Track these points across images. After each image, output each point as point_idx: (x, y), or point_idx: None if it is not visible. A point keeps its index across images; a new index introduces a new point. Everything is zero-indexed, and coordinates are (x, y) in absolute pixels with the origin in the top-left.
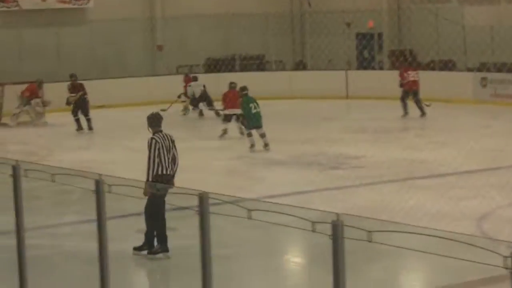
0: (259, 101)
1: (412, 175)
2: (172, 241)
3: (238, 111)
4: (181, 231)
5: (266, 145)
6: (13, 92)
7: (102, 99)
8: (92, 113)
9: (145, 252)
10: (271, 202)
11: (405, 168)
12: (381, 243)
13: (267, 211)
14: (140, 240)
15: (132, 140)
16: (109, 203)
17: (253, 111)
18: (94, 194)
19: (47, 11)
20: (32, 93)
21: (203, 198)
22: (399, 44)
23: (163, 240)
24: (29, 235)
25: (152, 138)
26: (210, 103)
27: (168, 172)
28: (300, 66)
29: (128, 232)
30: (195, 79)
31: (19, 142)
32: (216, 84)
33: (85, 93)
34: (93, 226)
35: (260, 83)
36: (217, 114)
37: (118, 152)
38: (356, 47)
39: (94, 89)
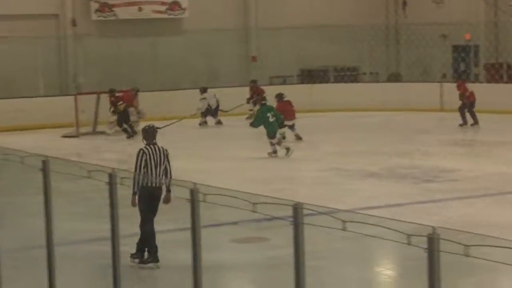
0: (352, 112)
1: (507, 190)
2: (264, 252)
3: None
4: (273, 241)
5: (274, 152)
6: (107, 102)
7: (192, 109)
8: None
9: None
10: (365, 214)
11: (499, 182)
12: (479, 258)
13: (362, 222)
14: (233, 249)
15: (227, 150)
16: (203, 212)
17: (271, 120)
18: (188, 202)
19: (143, 21)
20: (128, 102)
21: (297, 208)
22: (496, 57)
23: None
24: (123, 243)
25: (140, 150)
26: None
27: (155, 185)
28: (394, 78)
29: (221, 241)
30: (205, 90)
31: (113, 151)
32: (309, 95)
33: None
34: (187, 235)
35: (354, 94)
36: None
37: (209, 162)
38: (453, 59)
39: (187, 98)
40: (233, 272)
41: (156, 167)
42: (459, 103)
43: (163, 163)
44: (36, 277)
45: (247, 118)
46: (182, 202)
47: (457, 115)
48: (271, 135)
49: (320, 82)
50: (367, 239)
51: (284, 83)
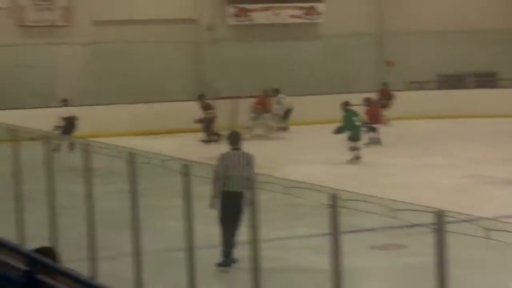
0: (492, 119)
1: None
2: (403, 258)
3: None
4: (412, 248)
5: (358, 157)
6: (246, 105)
7: (328, 114)
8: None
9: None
10: (508, 222)
11: None
12: None
13: (506, 231)
14: (372, 255)
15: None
16: (342, 218)
17: (356, 124)
18: (327, 208)
19: (279, 26)
20: (264, 106)
21: (440, 216)
22: None
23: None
24: (263, 247)
25: (220, 154)
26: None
27: (234, 190)
28: None
29: (360, 247)
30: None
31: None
32: (447, 101)
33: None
34: (324, 240)
35: (492, 100)
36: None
37: (346, 167)
38: None
39: (322, 103)
40: (373, 278)
41: (233, 172)
42: None
43: (244, 169)
44: (176, 280)
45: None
46: (319, 207)
47: None
48: (354, 138)
49: (458, 88)
50: (509, 248)
51: (421, 88)
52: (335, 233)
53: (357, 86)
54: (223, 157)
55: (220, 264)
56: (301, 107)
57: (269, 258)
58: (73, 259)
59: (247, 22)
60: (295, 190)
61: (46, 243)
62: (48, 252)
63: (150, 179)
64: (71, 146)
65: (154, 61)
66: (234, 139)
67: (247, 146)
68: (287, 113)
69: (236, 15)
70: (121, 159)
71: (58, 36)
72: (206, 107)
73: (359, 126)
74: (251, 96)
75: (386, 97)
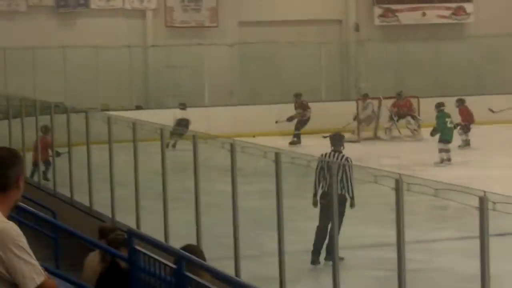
0: None
1: None
2: None
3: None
4: None
5: (448, 159)
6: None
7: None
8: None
9: None
10: None
11: None
12: None
13: None
14: None
15: (509, 157)
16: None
17: (449, 125)
18: (476, 210)
19: (426, 26)
20: (400, 108)
21: None
22: None
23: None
24: (406, 249)
25: (320, 155)
26: None
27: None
28: None
29: (506, 251)
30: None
31: (392, 156)
32: None
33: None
34: (470, 243)
35: None
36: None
37: (496, 170)
38: None
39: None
40: None
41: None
42: None
43: (341, 171)
44: (318, 280)
45: None
46: (467, 209)
47: None
48: (446, 140)
49: None
50: None
51: None
52: (483, 236)
53: (506, 87)
54: (319, 159)
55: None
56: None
57: (413, 260)
58: (216, 258)
59: (393, 23)
60: (442, 192)
61: (191, 242)
62: (193, 250)
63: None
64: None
65: (300, 62)
66: (336, 141)
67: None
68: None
69: (383, 16)
70: (267, 158)
71: (205, 37)
72: (299, 107)
73: (451, 128)
74: (395, 97)
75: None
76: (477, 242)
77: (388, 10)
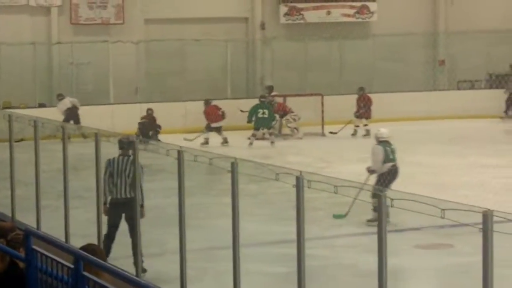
0: None
1: None
2: (449, 258)
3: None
4: (458, 248)
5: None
6: (295, 103)
7: (383, 112)
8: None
9: None
10: None
11: None
12: None
13: None
14: (417, 255)
15: (411, 154)
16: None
17: (260, 116)
18: (372, 206)
19: (331, 24)
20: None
21: (487, 215)
22: None
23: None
24: (307, 245)
25: (107, 160)
26: None
27: (119, 196)
28: None
29: (405, 246)
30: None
31: (296, 154)
32: (498, 100)
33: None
34: (370, 239)
35: None
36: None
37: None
38: None
39: (374, 103)
40: (417, 277)
41: (118, 179)
42: None
43: (130, 177)
44: (221, 278)
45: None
46: (368, 206)
47: None
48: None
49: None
50: None
51: (471, 88)
52: (380, 232)
53: (408, 85)
54: (107, 162)
55: None
56: (350, 106)
57: (315, 256)
58: (118, 257)
59: (299, 21)
60: (344, 189)
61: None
62: (94, 249)
63: (197, 177)
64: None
65: (206, 59)
66: (124, 145)
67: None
68: None
69: (288, 14)
70: (170, 156)
71: (111, 34)
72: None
73: (262, 118)
74: (300, 95)
75: (365, 104)
76: (376, 238)
77: (294, 9)
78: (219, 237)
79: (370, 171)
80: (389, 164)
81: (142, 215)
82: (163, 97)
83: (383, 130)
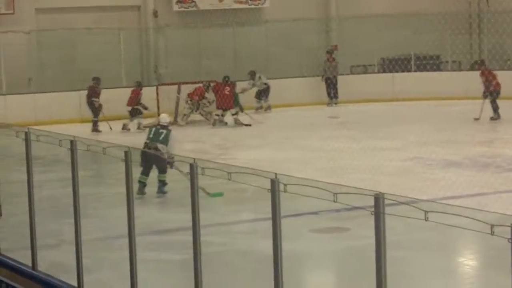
0: (434, 101)
1: None
2: (344, 242)
3: None
4: (353, 232)
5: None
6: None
7: (277, 98)
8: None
9: None
10: (447, 204)
11: None
12: None
13: (444, 212)
14: (313, 239)
15: (306, 139)
16: (283, 202)
17: None
18: (269, 192)
19: (224, 11)
20: (200, 96)
21: (379, 198)
22: None
23: None
24: (203, 232)
25: None
26: None
27: None
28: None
29: (301, 231)
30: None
31: (193, 141)
32: (390, 84)
33: None
34: (267, 225)
35: (436, 83)
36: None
37: (292, 151)
38: None
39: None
40: (313, 261)
41: None
42: None
43: None
44: (118, 267)
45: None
46: (264, 192)
47: None
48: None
49: (402, 71)
50: (449, 230)
51: (364, 72)
52: (275, 217)
53: (301, 71)
54: None
55: None
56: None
57: (210, 243)
58: (14, 248)
59: (191, 8)
60: (239, 176)
61: None
62: None
63: (91, 167)
64: None
65: (99, 48)
66: None
67: (187, 133)
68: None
69: (181, 1)
70: (63, 147)
71: (2, 24)
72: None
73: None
74: (194, 82)
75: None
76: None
77: None
78: (115, 226)
79: None
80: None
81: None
82: (57, 87)
83: (163, 115)
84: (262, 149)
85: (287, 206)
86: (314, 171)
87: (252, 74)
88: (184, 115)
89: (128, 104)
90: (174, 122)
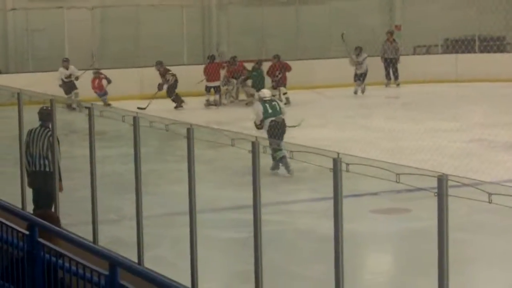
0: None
1: None
2: (405, 223)
3: None
4: (415, 213)
5: None
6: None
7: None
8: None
9: None
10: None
11: None
12: None
13: (508, 195)
14: (374, 220)
15: (366, 119)
16: (343, 182)
17: None
18: (330, 172)
19: None
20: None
21: (442, 180)
22: None
23: None
24: (264, 211)
25: (28, 130)
26: None
27: (34, 168)
28: None
29: (361, 211)
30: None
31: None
32: (454, 65)
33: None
34: (327, 204)
35: (499, 65)
36: None
37: (353, 131)
38: None
39: (331, 68)
40: (373, 242)
41: (35, 149)
42: None
43: (45, 148)
44: (178, 244)
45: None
46: (325, 171)
47: None
48: None
49: (466, 52)
50: None
51: (427, 52)
52: (336, 197)
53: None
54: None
55: None
56: (305, 72)
57: (271, 222)
58: (76, 223)
59: None
60: (299, 154)
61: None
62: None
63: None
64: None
65: (161, 25)
66: (44, 116)
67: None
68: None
69: None
70: (126, 122)
71: (66, 0)
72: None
73: None
74: (256, 61)
75: (280, 72)
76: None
77: None
78: (176, 203)
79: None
80: (269, 120)
81: (60, 189)
82: (119, 63)
83: (265, 91)
84: (322, 128)
85: (347, 186)
86: (375, 151)
87: (359, 51)
88: (228, 93)
89: (213, 80)
90: (238, 101)
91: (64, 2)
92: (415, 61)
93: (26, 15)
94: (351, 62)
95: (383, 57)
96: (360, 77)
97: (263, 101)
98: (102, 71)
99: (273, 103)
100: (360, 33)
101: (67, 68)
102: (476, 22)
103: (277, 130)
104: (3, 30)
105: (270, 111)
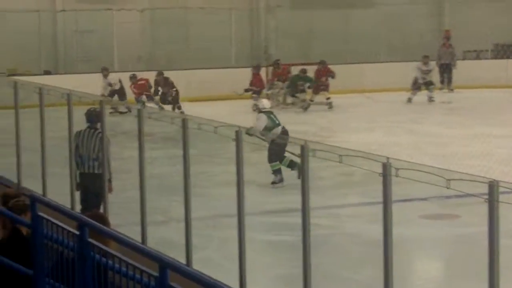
0: None
1: None
2: (454, 228)
3: None
4: (464, 219)
5: None
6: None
7: (389, 82)
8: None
9: None
10: None
11: None
12: None
13: None
14: (423, 225)
15: (416, 124)
16: (394, 187)
17: None
18: (379, 176)
19: None
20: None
21: (493, 186)
22: None
23: None
24: (312, 215)
25: (76, 132)
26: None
27: (84, 171)
28: None
29: (411, 216)
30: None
31: (301, 123)
32: (504, 70)
33: None
34: (375, 209)
35: None
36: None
37: (401, 136)
38: None
39: (380, 72)
40: (423, 248)
41: (85, 152)
42: None
43: (96, 150)
44: (226, 246)
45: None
46: (373, 175)
47: None
48: None
49: None
50: None
51: (477, 57)
52: (386, 202)
53: (413, 55)
54: (75, 136)
55: None
56: (354, 75)
57: (319, 226)
58: (125, 223)
59: None
60: (348, 159)
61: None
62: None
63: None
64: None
65: (210, 27)
66: (92, 117)
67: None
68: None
69: None
70: (175, 125)
71: (115, 2)
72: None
73: None
74: (304, 64)
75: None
76: (381, 208)
77: None
78: (224, 205)
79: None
80: (279, 129)
81: (109, 190)
82: (167, 66)
83: (264, 101)
84: (371, 132)
85: (396, 191)
86: (424, 156)
87: (427, 59)
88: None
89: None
90: (286, 104)
91: (113, 4)
92: (465, 66)
93: (75, 16)
94: (419, 72)
95: (439, 63)
96: (426, 85)
97: (263, 112)
98: (150, 73)
99: (271, 115)
100: (409, 38)
101: (106, 77)
102: None
103: (280, 148)
104: (52, 31)
105: (273, 122)
